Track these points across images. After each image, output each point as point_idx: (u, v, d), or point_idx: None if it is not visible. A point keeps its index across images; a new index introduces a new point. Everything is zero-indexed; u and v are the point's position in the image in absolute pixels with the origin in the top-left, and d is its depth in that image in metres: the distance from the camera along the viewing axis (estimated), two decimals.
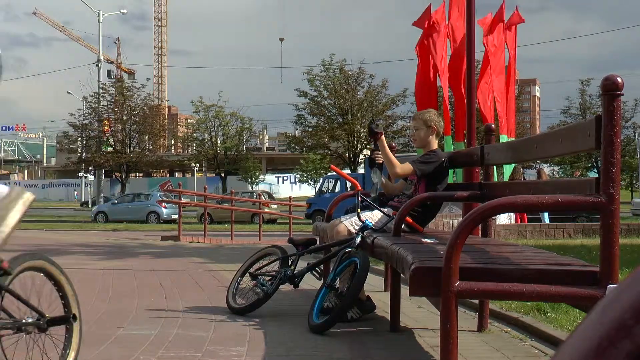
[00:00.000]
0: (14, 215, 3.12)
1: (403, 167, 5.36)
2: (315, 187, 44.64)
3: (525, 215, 16.80)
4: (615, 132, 2.90)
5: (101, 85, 48.63)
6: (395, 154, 5.71)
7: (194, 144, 58.08)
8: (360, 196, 5.44)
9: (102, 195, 48.14)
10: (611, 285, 2.90)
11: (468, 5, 7.48)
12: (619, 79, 2.92)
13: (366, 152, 43.61)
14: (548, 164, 42.69)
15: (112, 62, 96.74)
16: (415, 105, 10.46)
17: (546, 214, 17.78)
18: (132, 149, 48.68)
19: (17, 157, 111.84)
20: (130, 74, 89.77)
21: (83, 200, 68.32)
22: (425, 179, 5.40)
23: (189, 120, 69.33)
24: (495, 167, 5.46)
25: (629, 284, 0.64)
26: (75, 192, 79.53)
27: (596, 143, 2.96)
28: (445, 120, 9.70)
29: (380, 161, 5.63)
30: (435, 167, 5.39)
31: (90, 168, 51.60)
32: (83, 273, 8.61)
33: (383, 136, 5.48)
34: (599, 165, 3.05)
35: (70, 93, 59.22)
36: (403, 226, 4.96)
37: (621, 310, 0.61)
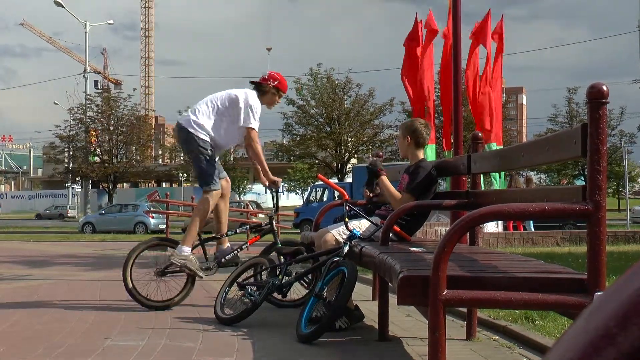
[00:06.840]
0: None
1: (404, 200, 5.32)
2: (303, 197, 44.57)
3: (520, 223, 16.89)
4: (601, 140, 2.91)
5: (87, 96, 48.40)
6: (383, 162, 5.71)
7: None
8: (348, 205, 5.43)
9: (88, 206, 47.90)
10: (598, 293, 2.91)
11: (454, 15, 7.53)
12: (605, 87, 2.93)
13: (354, 161, 43.65)
14: (535, 172, 42.78)
15: (99, 73, 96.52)
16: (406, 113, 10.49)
17: (531, 223, 17.87)
18: (119, 160, 48.41)
19: (3, 168, 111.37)
20: (117, 84, 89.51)
21: (70, 213, 67.94)
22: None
23: None
24: (482, 176, 5.46)
25: (614, 291, 0.64)
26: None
27: (582, 151, 2.97)
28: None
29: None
30: (423, 178, 5.38)
31: (77, 179, 51.29)
32: (70, 284, 8.56)
33: (384, 175, 5.50)
34: (586, 173, 3.06)
35: (57, 104, 58.96)
36: (391, 235, 4.95)
37: (606, 318, 0.61)
